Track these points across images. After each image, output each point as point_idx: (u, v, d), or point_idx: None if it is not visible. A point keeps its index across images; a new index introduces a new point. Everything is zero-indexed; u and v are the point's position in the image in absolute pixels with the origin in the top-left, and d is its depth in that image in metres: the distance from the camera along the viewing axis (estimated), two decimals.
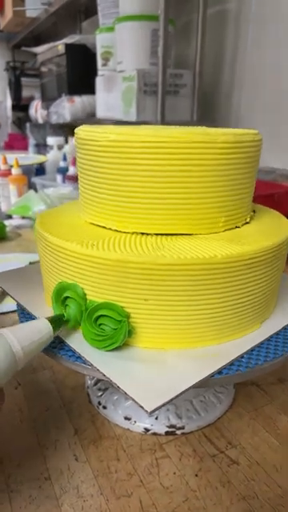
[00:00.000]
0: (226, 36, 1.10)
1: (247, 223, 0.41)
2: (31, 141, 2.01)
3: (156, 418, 0.40)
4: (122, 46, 1.08)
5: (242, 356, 0.35)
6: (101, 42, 1.21)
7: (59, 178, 1.35)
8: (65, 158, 1.42)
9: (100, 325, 0.34)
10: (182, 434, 0.40)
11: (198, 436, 0.40)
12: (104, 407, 0.42)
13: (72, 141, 1.51)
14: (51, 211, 0.45)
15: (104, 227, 0.38)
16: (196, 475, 0.35)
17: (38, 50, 1.65)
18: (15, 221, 1.08)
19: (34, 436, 0.39)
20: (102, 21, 1.22)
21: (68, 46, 1.40)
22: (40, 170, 1.54)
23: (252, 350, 0.35)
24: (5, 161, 1.20)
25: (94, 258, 0.33)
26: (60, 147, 1.60)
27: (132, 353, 0.34)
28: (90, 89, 1.30)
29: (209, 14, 1.05)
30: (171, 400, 0.29)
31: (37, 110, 1.89)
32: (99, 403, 0.43)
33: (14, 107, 2.22)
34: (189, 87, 1.10)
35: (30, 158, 1.62)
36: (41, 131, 1.97)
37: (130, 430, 0.40)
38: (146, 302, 0.33)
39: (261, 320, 0.39)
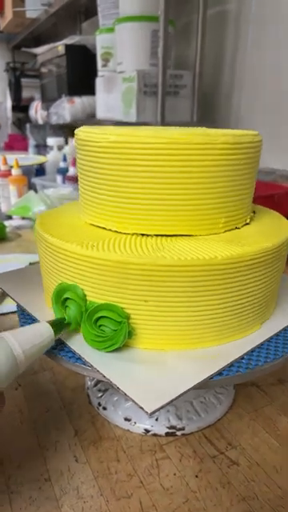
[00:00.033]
0: (225, 37, 1.10)
1: (247, 224, 0.41)
2: (31, 141, 2.01)
3: (156, 419, 0.40)
4: (122, 46, 1.08)
5: (242, 357, 0.35)
6: (101, 42, 1.22)
7: (59, 178, 1.35)
8: (65, 159, 1.42)
9: (100, 326, 0.34)
10: (182, 434, 0.40)
11: (198, 437, 0.40)
12: (104, 408, 0.42)
13: (72, 141, 1.51)
14: (51, 212, 0.45)
15: (104, 228, 0.38)
16: (196, 476, 0.35)
17: (38, 50, 1.65)
18: (15, 221, 1.08)
19: (34, 437, 0.39)
20: (102, 22, 1.22)
21: (68, 47, 1.40)
22: (40, 170, 1.55)
23: (252, 350, 0.36)
24: (5, 161, 1.20)
25: (94, 259, 0.33)
26: (60, 148, 1.61)
27: (132, 354, 0.34)
28: (89, 89, 1.30)
29: (209, 15, 1.05)
30: (171, 401, 0.29)
31: (37, 111, 1.90)
32: (99, 404, 0.43)
33: (14, 108, 2.23)
34: (189, 88, 1.10)
35: (30, 158, 1.62)
36: (41, 132, 1.97)
37: (130, 431, 0.40)
38: (146, 303, 0.33)
39: (261, 321, 0.39)
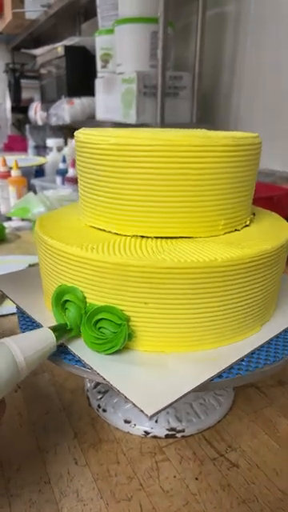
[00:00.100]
0: (225, 38, 1.11)
1: (247, 226, 0.41)
2: (30, 142, 2.01)
3: (156, 421, 0.40)
4: (122, 48, 1.08)
5: (242, 359, 0.34)
6: (100, 44, 1.22)
7: (59, 179, 1.35)
8: (64, 160, 1.42)
9: (100, 328, 0.34)
10: (182, 437, 0.40)
11: (198, 439, 0.40)
12: (104, 410, 0.42)
13: (71, 143, 1.51)
14: (51, 214, 0.45)
15: (104, 230, 0.38)
16: (196, 478, 0.35)
17: (38, 51, 1.65)
18: (14, 223, 1.08)
19: (33, 439, 0.39)
20: (102, 23, 1.22)
21: (67, 48, 1.41)
22: (39, 171, 1.55)
23: (252, 353, 0.35)
24: (4, 162, 1.20)
25: (94, 262, 0.33)
26: (59, 149, 1.61)
27: (132, 356, 0.34)
28: (89, 91, 1.30)
29: (208, 16, 1.06)
30: (171, 404, 0.29)
31: (36, 112, 1.89)
32: (99, 406, 0.43)
33: (14, 109, 2.23)
34: (188, 89, 1.10)
35: (30, 159, 1.62)
36: (40, 133, 1.97)
37: (130, 433, 0.40)
38: (146, 305, 0.33)
39: (261, 323, 0.39)
